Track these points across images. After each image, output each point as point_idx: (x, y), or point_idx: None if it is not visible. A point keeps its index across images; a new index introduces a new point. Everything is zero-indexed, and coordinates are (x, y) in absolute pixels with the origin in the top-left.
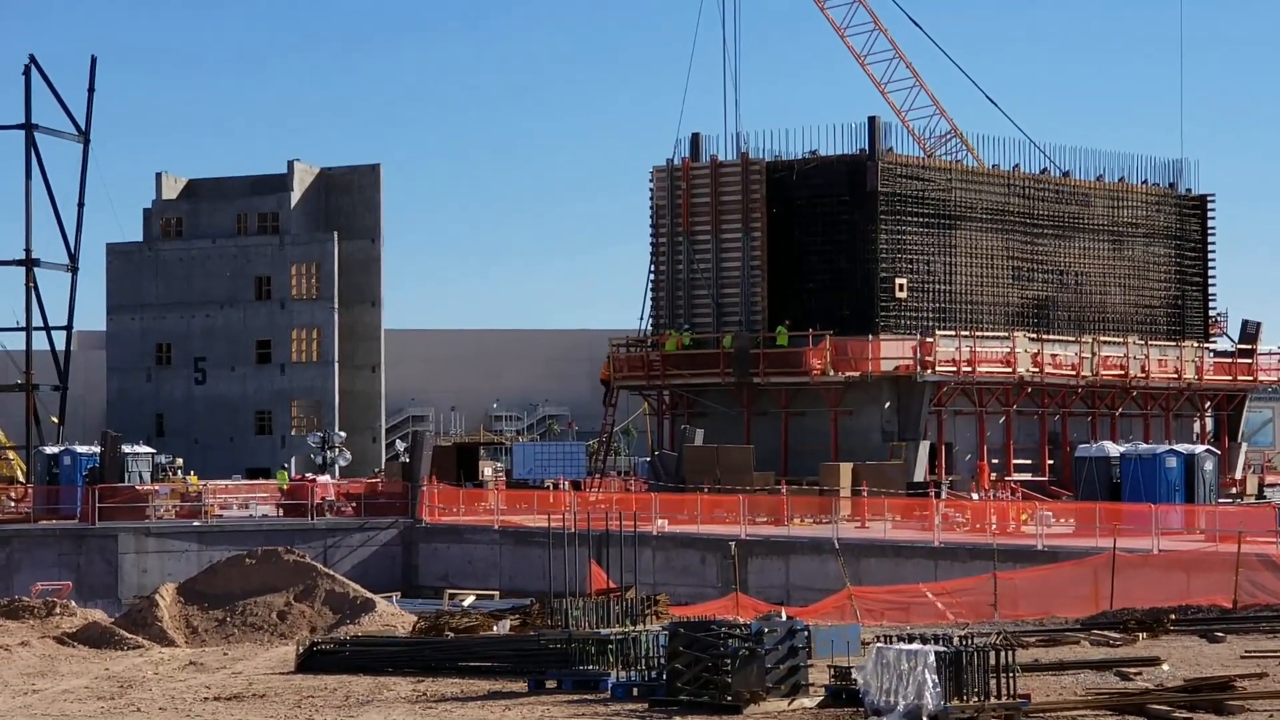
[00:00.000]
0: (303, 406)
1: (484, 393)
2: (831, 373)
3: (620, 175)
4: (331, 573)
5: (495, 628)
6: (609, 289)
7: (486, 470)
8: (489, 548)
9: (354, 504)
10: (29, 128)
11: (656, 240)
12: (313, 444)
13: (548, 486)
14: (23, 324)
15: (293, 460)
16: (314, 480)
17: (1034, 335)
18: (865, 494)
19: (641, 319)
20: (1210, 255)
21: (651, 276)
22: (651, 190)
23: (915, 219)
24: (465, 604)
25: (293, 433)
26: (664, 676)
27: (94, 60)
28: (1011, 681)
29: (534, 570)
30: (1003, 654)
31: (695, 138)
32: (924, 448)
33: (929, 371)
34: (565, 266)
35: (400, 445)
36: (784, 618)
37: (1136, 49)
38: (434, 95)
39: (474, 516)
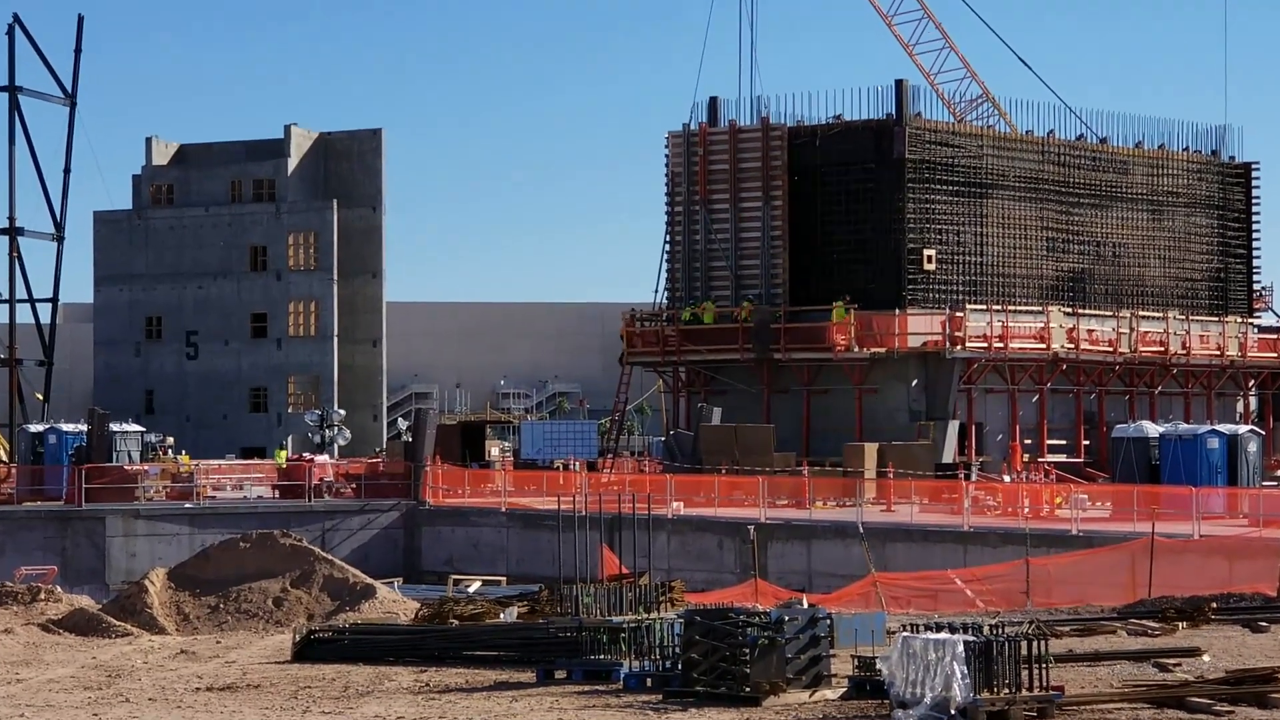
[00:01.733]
0: (300, 383)
1: (490, 369)
2: (856, 348)
3: (635, 141)
4: (330, 557)
5: (502, 615)
6: (622, 260)
7: (493, 450)
8: (495, 531)
9: (354, 485)
10: (13, 90)
11: (672, 209)
12: (310, 422)
13: (557, 467)
14: (6, 296)
15: (289, 439)
16: (312, 460)
17: (1069, 309)
18: (891, 476)
19: (656, 291)
20: (1255, 226)
21: (667, 247)
22: (667, 157)
23: (944, 187)
24: (470, 590)
25: (289, 410)
26: (679, 667)
27: (80, 20)
28: (1044, 673)
29: (543, 555)
30: (1035, 644)
31: (713, 102)
32: (953, 427)
33: (958, 347)
34: (576, 237)
35: (402, 424)
36: (805, 605)
37: (1177, 8)
38: (439, 57)
39: (480, 498)
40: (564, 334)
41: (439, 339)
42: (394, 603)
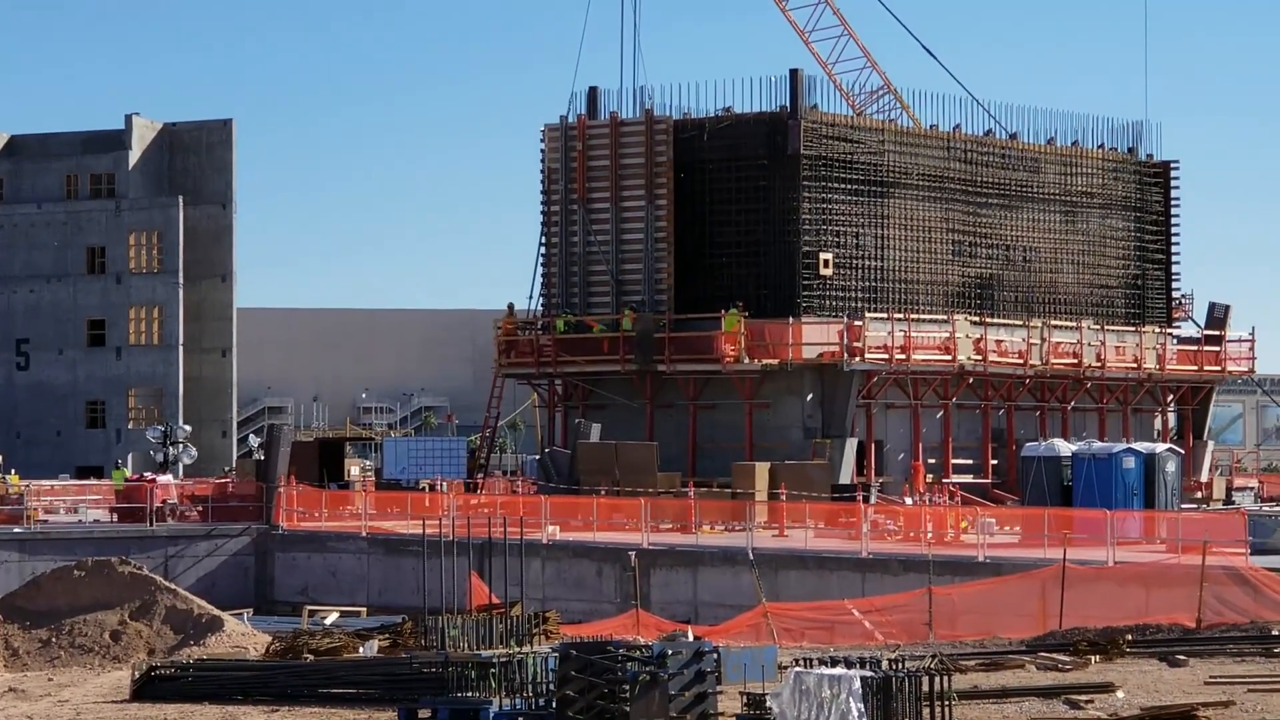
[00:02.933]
0: (141, 396)
1: (351, 381)
2: (746, 360)
3: (509, 135)
4: (173, 586)
5: (361, 649)
6: (494, 263)
7: (353, 469)
8: (355, 558)
9: (200, 508)
10: None
11: (549, 209)
12: (152, 439)
13: (423, 488)
14: None
15: (129, 457)
16: (154, 480)
17: (976, 319)
18: (784, 498)
19: (531, 297)
20: (1174, 229)
21: (543, 250)
22: (543, 152)
23: (842, 186)
24: (327, 622)
25: (130, 426)
26: (553, 705)
27: None
28: (948, 710)
29: (407, 584)
30: (938, 679)
31: (593, 92)
32: (851, 446)
33: (857, 359)
34: (445, 238)
35: (254, 441)
36: (690, 638)
37: None
38: (296, 42)
39: (338, 522)
40: (431, 343)
41: (295, 348)
42: (243, 636)
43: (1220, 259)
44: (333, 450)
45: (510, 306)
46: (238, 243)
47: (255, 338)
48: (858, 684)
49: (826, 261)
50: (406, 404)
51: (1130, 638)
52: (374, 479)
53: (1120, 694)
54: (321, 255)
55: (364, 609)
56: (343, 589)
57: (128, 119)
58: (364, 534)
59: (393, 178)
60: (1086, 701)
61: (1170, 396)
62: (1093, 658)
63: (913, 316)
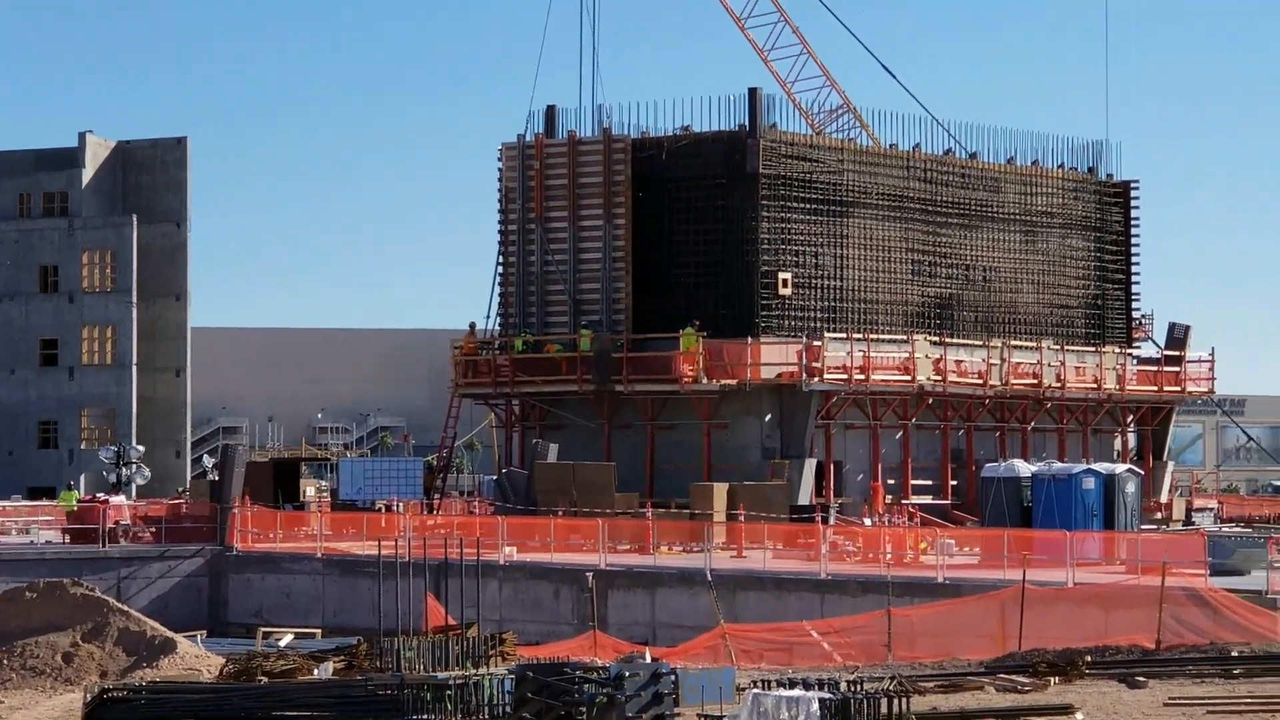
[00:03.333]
0: (94, 416)
1: (306, 401)
2: (704, 380)
3: (466, 154)
4: (126, 608)
5: (316, 671)
6: (451, 283)
7: (309, 490)
8: (310, 579)
9: (153, 529)
10: None
11: (506, 228)
12: (105, 459)
13: (379, 509)
14: None
15: (82, 478)
16: (106, 501)
17: (936, 339)
18: (742, 519)
19: (488, 318)
20: (1134, 249)
21: (500, 269)
22: (500, 171)
23: (802, 205)
24: (282, 644)
25: (82, 446)
26: None
27: None
28: None
29: (362, 605)
30: (896, 701)
31: (550, 111)
32: (809, 466)
33: (816, 379)
34: (401, 257)
35: (208, 461)
36: (648, 659)
37: (1055, 15)
38: (250, 60)
39: (293, 543)
40: (387, 363)
41: (249, 368)
42: (197, 658)
43: (1180, 279)
44: (288, 471)
45: (472, 326)
46: (192, 262)
47: (210, 357)
48: (816, 706)
49: (785, 281)
50: (363, 424)
51: (1090, 659)
52: (329, 500)
53: (1079, 716)
54: (277, 274)
55: (319, 631)
56: (298, 610)
57: (81, 137)
58: (319, 555)
59: (349, 197)
60: None
61: (1130, 417)
62: (1052, 679)
63: (872, 336)
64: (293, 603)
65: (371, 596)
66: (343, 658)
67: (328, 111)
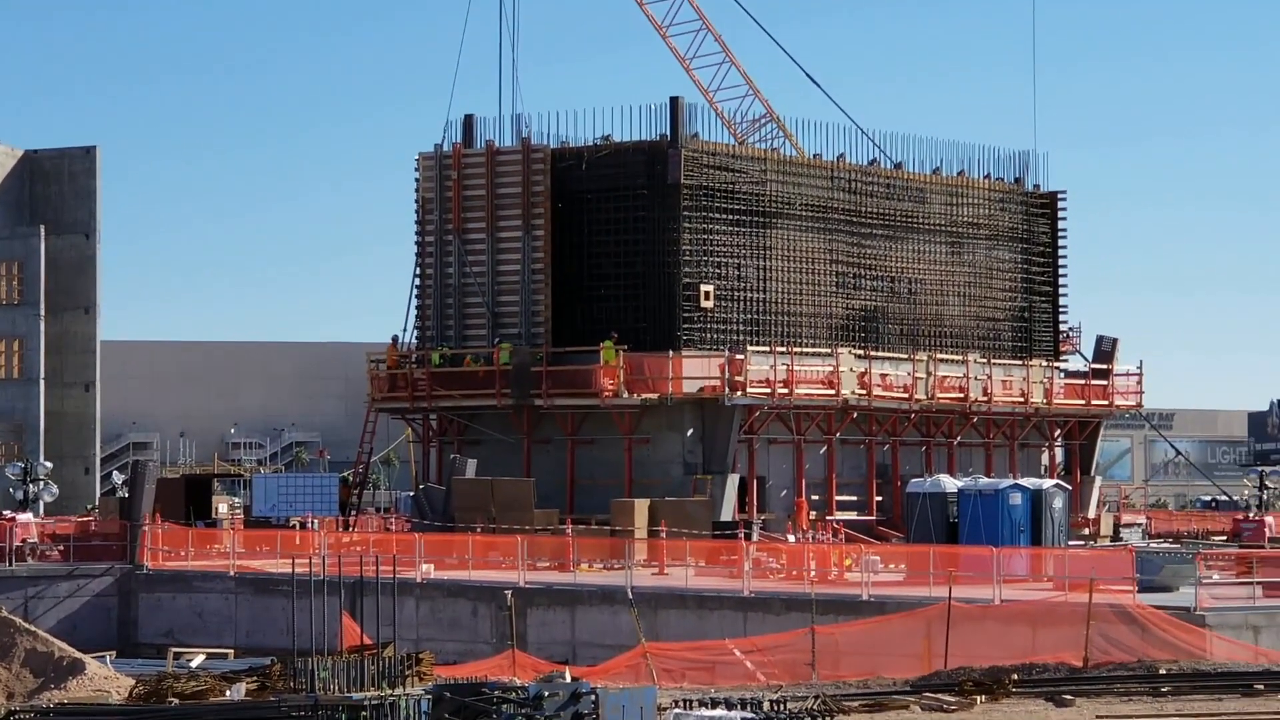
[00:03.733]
0: (0, 431)
1: (219, 416)
2: (625, 394)
3: (383, 164)
4: (33, 628)
5: (228, 693)
6: (368, 296)
7: (221, 507)
8: (223, 598)
9: (61, 547)
10: None
11: (423, 239)
12: (12, 476)
13: (294, 525)
14: None
15: None
16: (13, 519)
17: (860, 352)
18: (664, 535)
19: (405, 330)
20: (1061, 261)
21: (417, 281)
22: (417, 181)
23: (724, 216)
24: (193, 664)
25: None
26: None
27: None
28: None
29: (276, 624)
30: None
31: (468, 120)
32: (732, 482)
33: (739, 394)
34: (316, 270)
35: (118, 477)
36: (568, 679)
37: (981, 22)
38: (161, 67)
39: (205, 561)
40: (302, 377)
41: (161, 383)
42: (106, 679)
43: (1108, 291)
44: (200, 487)
45: (395, 339)
46: (102, 274)
47: (120, 371)
48: None
49: (707, 293)
50: (277, 439)
51: (1016, 677)
52: (243, 517)
53: None
54: (189, 287)
55: (231, 651)
56: (209, 630)
57: None
58: (232, 573)
59: (264, 208)
60: None
61: (1058, 431)
62: (978, 698)
63: (796, 350)
64: (205, 622)
65: (285, 616)
66: (256, 678)
67: (242, 123)
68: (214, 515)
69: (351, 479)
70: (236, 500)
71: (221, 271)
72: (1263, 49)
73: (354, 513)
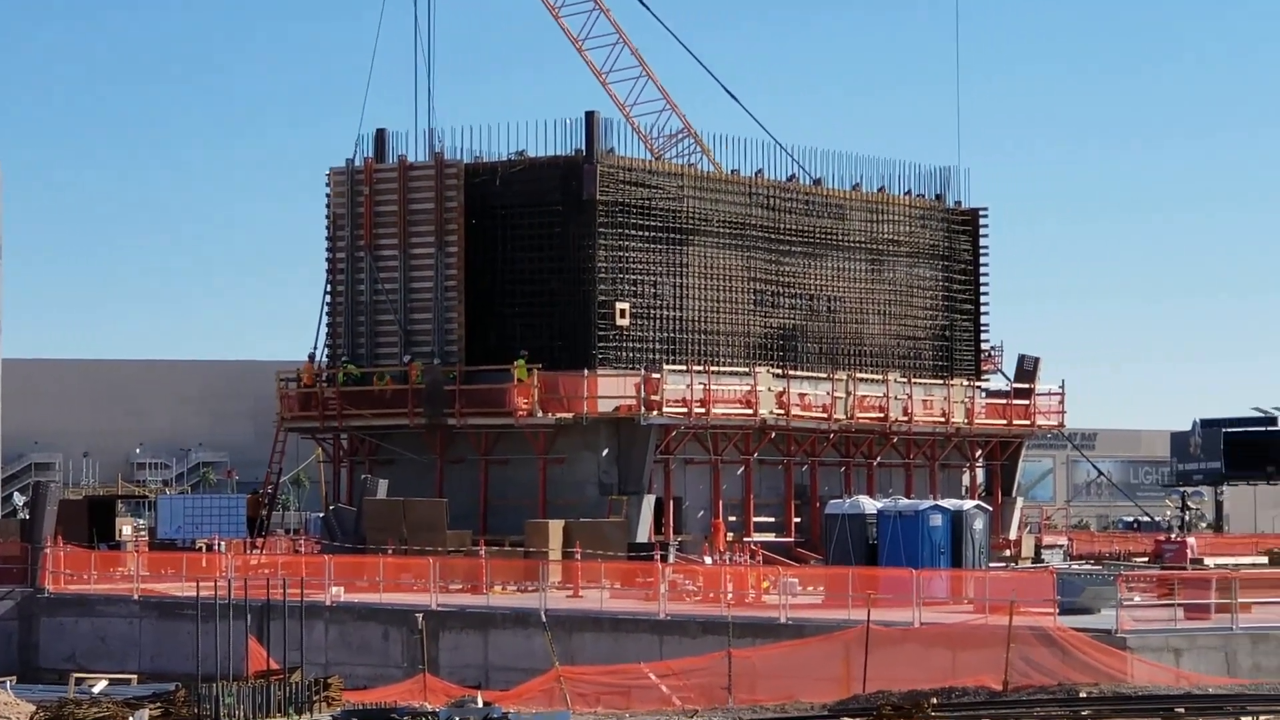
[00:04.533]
0: None
1: (124, 436)
2: (539, 413)
3: (291, 178)
4: None
5: (131, 718)
6: (277, 314)
7: (125, 529)
8: (127, 622)
9: None
10: None
11: (334, 256)
12: None
13: (200, 548)
14: None
15: None
16: None
17: (779, 371)
18: (578, 557)
19: (316, 348)
20: (983, 279)
21: (328, 299)
22: (328, 196)
23: (640, 233)
24: (95, 690)
25: None
26: None
27: None
28: None
29: (182, 649)
30: None
31: (380, 135)
32: (648, 502)
33: (655, 413)
34: (224, 286)
35: (19, 499)
36: (480, 703)
37: (905, 36)
38: (62, 78)
39: (109, 585)
40: (210, 396)
41: (65, 402)
42: (6, 705)
43: (1031, 310)
44: (103, 509)
45: (311, 356)
46: (3, 291)
47: (21, 390)
48: None
49: (623, 311)
50: (183, 460)
51: (935, 701)
52: (147, 539)
53: None
54: (93, 304)
55: (135, 676)
56: (113, 655)
57: None
58: (136, 597)
59: (169, 223)
60: None
61: (979, 451)
62: None
63: (713, 369)
64: (108, 647)
65: (191, 640)
66: (159, 704)
67: (150, 136)
68: (118, 537)
69: (261, 492)
70: (141, 522)
71: (128, 289)
72: (1187, 59)
73: (263, 532)
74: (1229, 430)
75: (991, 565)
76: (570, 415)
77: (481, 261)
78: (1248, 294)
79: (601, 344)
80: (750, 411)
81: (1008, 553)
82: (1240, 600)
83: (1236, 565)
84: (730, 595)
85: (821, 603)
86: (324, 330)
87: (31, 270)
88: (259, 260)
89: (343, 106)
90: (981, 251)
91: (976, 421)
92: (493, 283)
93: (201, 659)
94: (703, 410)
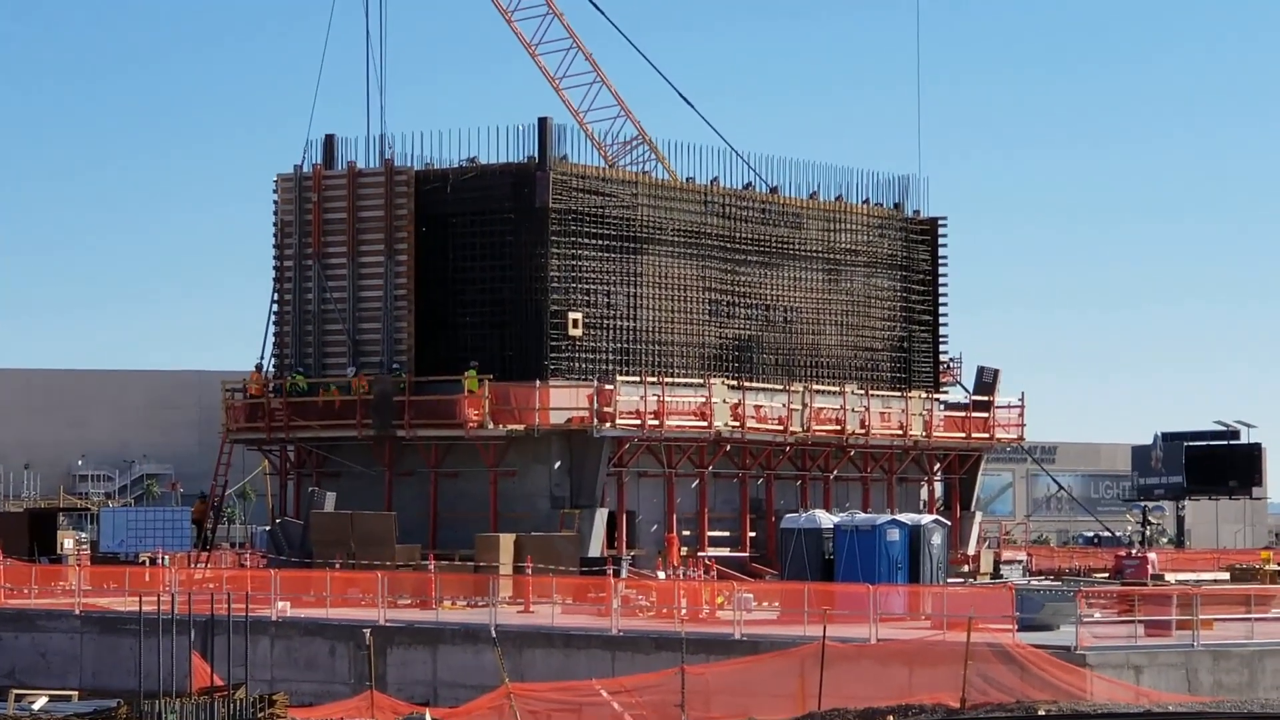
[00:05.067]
0: None
1: (66, 447)
2: (490, 425)
3: (239, 184)
4: None
5: None
6: (223, 323)
7: (67, 542)
8: (68, 637)
9: None
10: None
11: (281, 263)
12: None
13: (143, 562)
14: None
15: None
16: None
17: (734, 383)
18: (530, 571)
19: (263, 358)
20: (942, 289)
21: (275, 307)
22: (275, 203)
23: (593, 241)
24: (35, 707)
25: None
26: None
27: None
28: None
29: (124, 665)
30: None
31: (329, 140)
32: (601, 516)
33: (608, 425)
34: (169, 294)
35: None
36: None
37: (864, 42)
38: (5, 88)
39: (49, 599)
40: (154, 406)
41: (3, 412)
42: None
43: (990, 321)
44: (44, 521)
45: (258, 366)
46: None
47: None
48: None
49: (576, 321)
50: (127, 471)
51: (892, 719)
52: (89, 552)
53: None
54: (34, 312)
55: (76, 692)
56: (53, 671)
57: None
58: (77, 612)
59: (112, 228)
60: None
61: (937, 465)
62: None
63: (667, 380)
64: (48, 662)
65: (134, 656)
66: None
67: (94, 141)
68: (59, 551)
69: (210, 496)
70: (83, 535)
71: (70, 296)
72: (1147, 68)
73: (209, 538)
74: (1191, 444)
75: (950, 581)
76: (522, 427)
77: (432, 270)
78: (1210, 306)
79: (554, 354)
80: (705, 424)
81: (966, 568)
82: (1201, 617)
83: (1198, 581)
84: (684, 611)
85: (777, 618)
86: (271, 340)
87: None
88: (205, 268)
89: (292, 113)
90: (940, 261)
91: (935, 434)
92: (443, 292)
93: (144, 675)
94: (656, 422)
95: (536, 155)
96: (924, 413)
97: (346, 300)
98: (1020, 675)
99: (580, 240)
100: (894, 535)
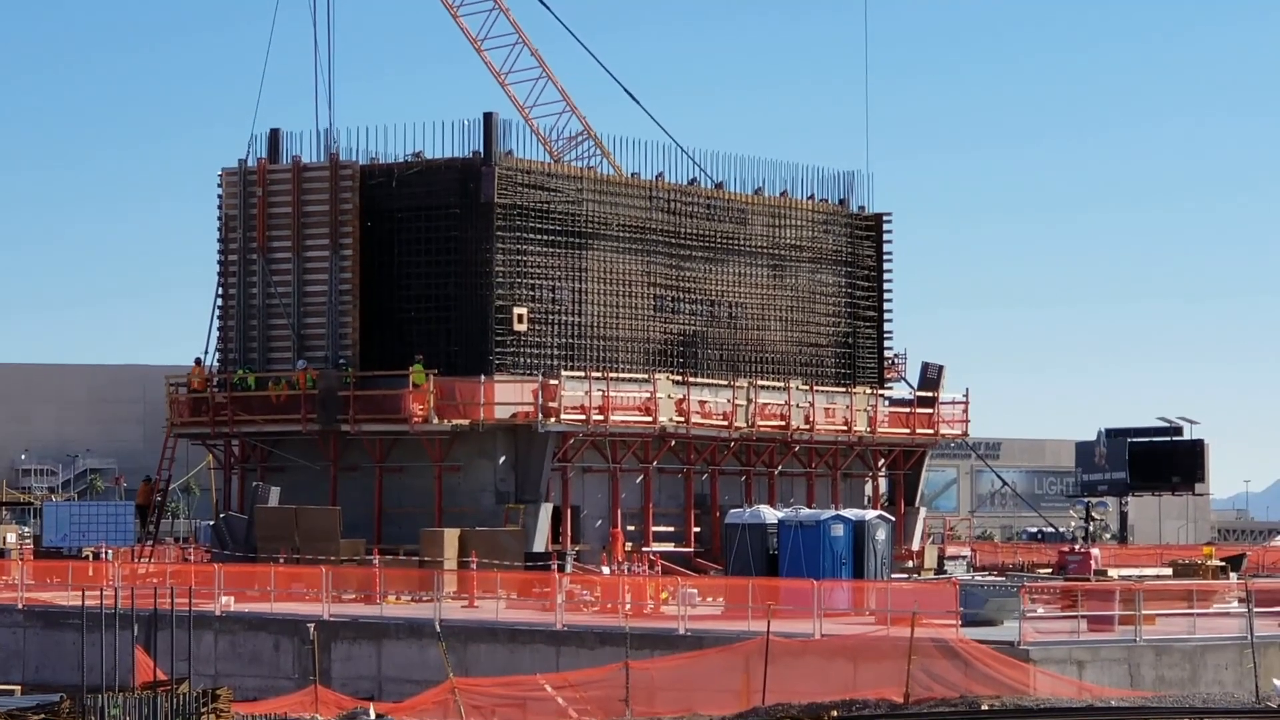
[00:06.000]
0: None
1: (9, 441)
2: (435, 420)
3: (184, 179)
4: None
5: None
6: (167, 317)
7: (9, 536)
8: (10, 632)
9: None
10: None
11: (225, 258)
12: None
13: (87, 556)
14: None
15: None
16: None
17: (679, 378)
18: (474, 566)
19: (207, 353)
20: (886, 285)
21: (219, 302)
22: (220, 197)
23: (538, 236)
24: None
25: None
26: None
27: None
28: None
29: (67, 659)
30: None
31: (274, 135)
32: (545, 511)
33: (552, 420)
34: (113, 288)
35: None
36: (372, 715)
37: (806, 40)
38: None
39: None
40: (98, 401)
41: None
42: None
43: (935, 317)
44: None
45: (198, 360)
46: None
47: None
48: None
49: (521, 316)
50: (70, 466)
51: (836, 714)
52: (32, 547)
53: None
54: None
55: (19, 687)
56: None
57: None
58: (20, 606)
59: (56, 223)
60: None
61: (882, 461)
62: None
63: (611, 375)
64: None
65: (76, 650)
66: (43, 716)
67: (35, 136)
68: (2, 545)
69: (156, 479)
70: (26, 529)
71: (12, 290)
72: (1093, 64)
73: (155, 522)
74: (1134, 440)
75: (894, 576)
76: (466, 422)
77: (377, 265)
78: (1154, 304)
79: (499, 349)
80: (650, 419)
81: (910, 564)
82: (1144, 612)
83: (1141, 576)
84: (628, 606)
85: (721, 614)
86: (215, 334)
87: None
88: (149, 262)
89: (238, 108)
90: (885, 257)
91: (879, 430)
92: (388, 286)
93: (87, 670)
94: (601, 417)
95: (482, 150)
96: (868, 408)
97: (291, 295)
98: (964, 670)
99: (525, 235)
100: (838, 531)
